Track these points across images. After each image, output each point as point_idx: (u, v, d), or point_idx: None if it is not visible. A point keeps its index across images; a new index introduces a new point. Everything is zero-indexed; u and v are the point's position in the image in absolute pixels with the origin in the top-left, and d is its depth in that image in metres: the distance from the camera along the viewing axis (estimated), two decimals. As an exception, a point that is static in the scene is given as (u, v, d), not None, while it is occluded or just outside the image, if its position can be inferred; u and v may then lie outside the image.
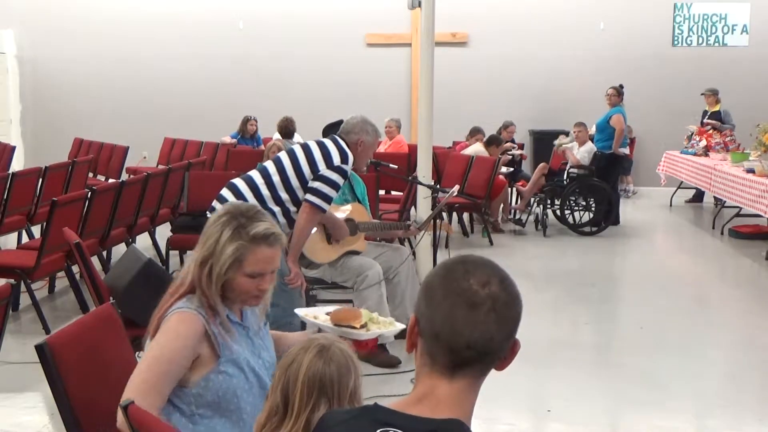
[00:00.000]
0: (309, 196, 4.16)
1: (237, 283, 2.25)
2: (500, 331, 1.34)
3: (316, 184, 4.16)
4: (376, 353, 4.47)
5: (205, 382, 2.22)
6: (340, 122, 5.23)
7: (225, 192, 4.27)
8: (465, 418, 1.35)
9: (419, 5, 6.45)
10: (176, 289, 2.28)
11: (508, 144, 10.71)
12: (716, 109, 11.30)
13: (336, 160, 4.19)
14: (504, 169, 9.94)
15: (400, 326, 2.69)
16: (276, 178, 4.20)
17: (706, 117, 11.37)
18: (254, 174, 4.27)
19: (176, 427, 2.19)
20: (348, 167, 4.24)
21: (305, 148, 4.29)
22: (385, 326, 2.66)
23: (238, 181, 4.28)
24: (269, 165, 4.29)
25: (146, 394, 2.11)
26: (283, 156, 4.29)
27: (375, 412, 1.36)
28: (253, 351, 2.34)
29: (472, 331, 1.33)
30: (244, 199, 4.18)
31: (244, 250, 2.22)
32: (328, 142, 4.30)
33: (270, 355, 2.41)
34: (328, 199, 4.20)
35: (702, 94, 11.45)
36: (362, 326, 2.60)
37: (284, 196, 4.19)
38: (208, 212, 4.34)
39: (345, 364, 1.91)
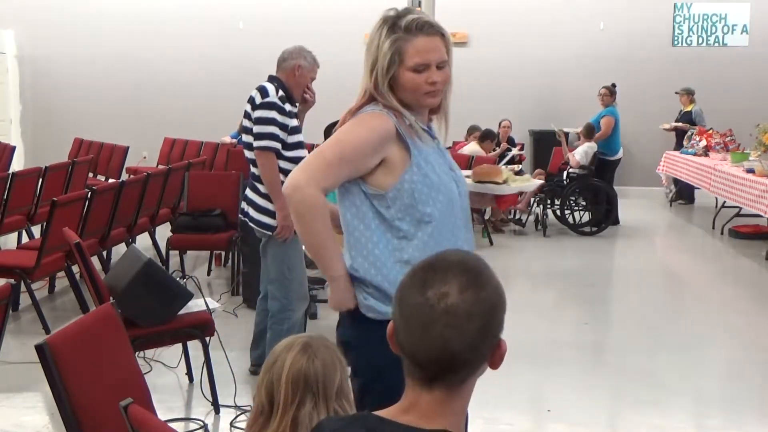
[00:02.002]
0: (255, 144, 4.09)
1: (404, 79, 2.21)
2: (463, 343, 1.28)
3: (255, 129, 4.10)
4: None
5: (400, 183, 2.21)
6: (341, 122, 5.24)
7: (249, 193, 4.27)
8: (454, 425, 1.33)
9: (419, 5, 6.46)
10: (356, 103, 2.28)
11: (504, 145, 10.72)
12: (689, 108, 11.37)
13: (258, 99, 4.12)
14: (517, 168, 10.02)
15: (537, 182, 2.77)
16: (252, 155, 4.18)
17: (679, 116, 11.43)
18: (252, 169, 4.27)
19: (378, 238, 2.23)
20: (272, 97, 4.10)
21: (245, 115, 4.24)
22: (523, 182, 2.68)
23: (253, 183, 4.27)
24: (246, 153, 4.27)
25: (321, 171, 2.16)
26: (244, 137, 4.29)
27: (367, 419, 1.36)
28: (444, 162, 2.34)
29: (430, 349, 1.28)
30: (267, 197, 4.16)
31: (401, 42, 2.19)
32: (252, 91, 4.22)
33: (460, 172, 2.43)
34: (270, 137, 4.07)
35: (676, 93, 11.46)
36: (504, 182, 2.57)
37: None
38: (240, 215, 4.36)
39: (330, 360, 1.92)
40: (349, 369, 1.99)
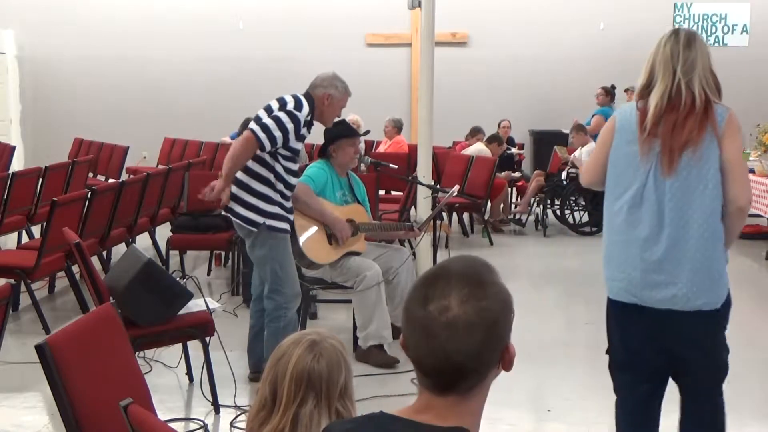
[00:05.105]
0: (252, 125, 4.09)
1: (714, 70, 2.91)
2: (466, 354, 1.31)
3: (265, 120, 4.09)
4: None
5: None
6: (342, 122, 5.23)
7: (235, 190, 4.22)
8: (472, 425, 1.35)
9: (419, 5, 6.45)
10: (696, 106, 2.86)
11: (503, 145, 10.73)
12: None
13: (290, 105, 4.14)
14: (516, 175, 10.02)
15: None
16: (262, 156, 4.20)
17: None
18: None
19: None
20: (302, 115, 4.12)
21: (267, 109, 4.23)
22: None
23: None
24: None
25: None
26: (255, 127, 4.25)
27: (380, 418, 1.37)
28: None
29: (436, 360, 1.32)
30: (258, 195, 4.18)
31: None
32: (286, 95, 4.25)
33: None
34: (271, 136, 4.04)
35: (625, 91, 11.41)
36: None
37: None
38: (223, 211, 4.39)
39: (336, 360, 1.92)
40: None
